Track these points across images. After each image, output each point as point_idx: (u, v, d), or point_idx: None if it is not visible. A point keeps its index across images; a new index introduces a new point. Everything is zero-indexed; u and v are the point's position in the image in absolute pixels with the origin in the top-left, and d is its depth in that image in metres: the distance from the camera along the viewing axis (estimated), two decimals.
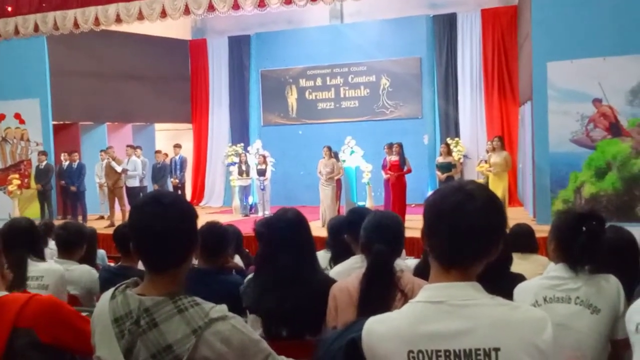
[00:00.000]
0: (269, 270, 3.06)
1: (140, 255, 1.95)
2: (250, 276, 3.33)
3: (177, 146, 14.74)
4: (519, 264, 3.62)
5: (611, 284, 2.71)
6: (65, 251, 4.53)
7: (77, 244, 4.57)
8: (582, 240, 2.68)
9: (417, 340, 1.62)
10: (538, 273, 3.89)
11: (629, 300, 2.63)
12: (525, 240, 4.51)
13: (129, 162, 13.48)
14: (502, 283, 2.49)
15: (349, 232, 3.62)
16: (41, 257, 3.86)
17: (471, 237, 1.64)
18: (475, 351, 1.58)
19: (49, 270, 3.81)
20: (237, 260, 4.80)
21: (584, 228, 2.71)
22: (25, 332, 2.20)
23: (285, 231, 3.06)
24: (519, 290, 2.81)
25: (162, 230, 1.88)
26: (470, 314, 1.61)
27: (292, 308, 2.92)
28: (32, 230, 3.83)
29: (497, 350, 1.57)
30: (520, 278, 3.33)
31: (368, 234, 2.99)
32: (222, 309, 1.89)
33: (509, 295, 2.66)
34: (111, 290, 1.95)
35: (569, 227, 2.76)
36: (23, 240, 3.67)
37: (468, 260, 1.67)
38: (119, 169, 13.30)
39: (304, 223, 3.18)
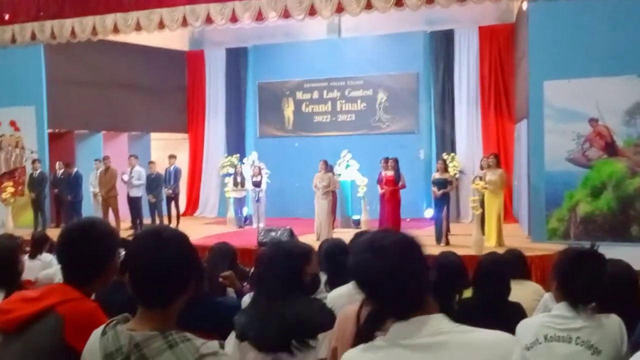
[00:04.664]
0: (265, 299, 3.03)
1: (134, 288, 1.91)
2: (246, 302, 3.30)
3: (172, 157, 14.69)
4: (513, 291, 3.59)
5: (613, 323, 2.68)
6: None
7: None
8: (583, 280, 2.66)
9: None
10: (533, 300, 3.88)
11: (630, 336, 2.61)
12: (516, 267, 4.45)
13: (133, 172, 13.42)
14: (500, 313, 2.48)
15: None
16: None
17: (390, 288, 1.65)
18: None
19: None
20: None
21: (584, 267, 2.69)
22: (55, 315, 2.20)
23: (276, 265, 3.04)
24: (521, 327, 2.79)
25: (157, 266, 1.86)
26: (438, 345, 1.60)
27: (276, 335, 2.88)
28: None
29: None
30: (517, 307, 3.30)
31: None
32: (213, 344, 1.87)
33: (507, 326, 2.64)
34: (102, 327, 1.93)
35: (569, 266, 2.74)
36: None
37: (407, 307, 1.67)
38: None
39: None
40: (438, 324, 1.64)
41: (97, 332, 1.93)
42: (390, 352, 1.64)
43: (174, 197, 14.37)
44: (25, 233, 9.36)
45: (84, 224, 2.48)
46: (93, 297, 2.46)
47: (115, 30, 12.81)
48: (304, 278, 3.00)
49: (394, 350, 1.64)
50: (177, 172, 14.52)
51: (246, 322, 2.96)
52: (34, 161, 13.60)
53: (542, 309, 3.59)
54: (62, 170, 13.78)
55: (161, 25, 12.43)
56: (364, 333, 2.45)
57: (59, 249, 2.44)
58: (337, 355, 2.72)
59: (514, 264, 4.37)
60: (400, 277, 1.64)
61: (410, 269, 1.66)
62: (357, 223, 13.62)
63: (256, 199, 14.09)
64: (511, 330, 2.73)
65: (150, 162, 14.16)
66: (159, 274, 1.87)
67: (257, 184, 14.11)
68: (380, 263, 1.64)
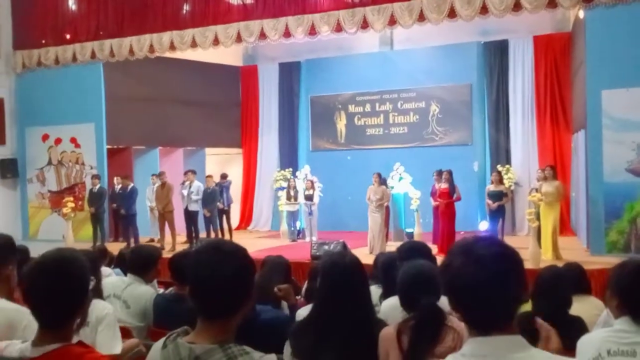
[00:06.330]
0: (324, 318, 2.99)
1: (194, 301, 1.96)
2: (300, 316, 3.31)
3: (223, 176, 14.91)
4: (572, 306, 3.50)
5: None
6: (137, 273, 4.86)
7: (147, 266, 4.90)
8: None
9: None
10: (594, 315, 3.79)
11: None
12: (576, 282, 4.31)
13: (193, 186, 13.64)
14: (561, 326, 2.43)
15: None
16: None
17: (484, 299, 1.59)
18: None
19: None
20: None
21: None
22: None
23: (343, 278, 3.00)
24: (582, 342, 2.72)
25: (217, 279, 1.90)
26: None
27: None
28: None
29: None
30: (578, 321, 3.23)
31: (408, 287, 2.98)
32: (270, 358, 1.90)
33: (569, 339, 2.59)
34: (162, 339, 1.97)
35: (631, 280, 2.67)
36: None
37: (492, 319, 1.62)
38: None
39: (360, 269, 3.14)
40: (521, 347, 1.60)
41: (157, 345, 1.97)
42: None
43: (225, 211, 14.53)
44: (85, 247, 9.59)
45: (57, 262, 2.13)
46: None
47: (172, 47, 13.15)
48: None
49: None
50: (228, 184, 14.74)
51: (303, 336, 2.96)
52: (93, 177, 13.95)
53: (602, 323, 3.51)
54: (119, 186, 14.08)
55: (216, 42, 12.71)
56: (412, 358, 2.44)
57: (31, 288, 2.09)
58: None
59: (573, 279, 4.25)
60: (495, 289, 1.58)
61: (507, 283, 1.61)
62: (410, 236, 13.50)
63: (309, 212, 14.13)
64: (572, 344, 2.67)
65: (208, 176, 14.36)
66: (220, 286, 1.90)
67: (309, 198, 14.16)
68: (477, 271, 1.58)
